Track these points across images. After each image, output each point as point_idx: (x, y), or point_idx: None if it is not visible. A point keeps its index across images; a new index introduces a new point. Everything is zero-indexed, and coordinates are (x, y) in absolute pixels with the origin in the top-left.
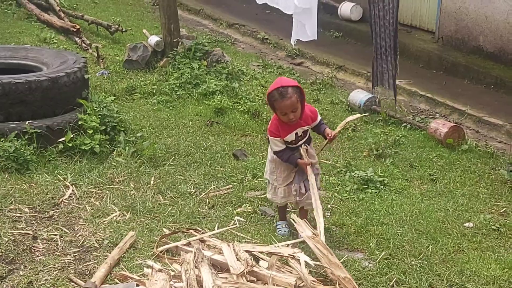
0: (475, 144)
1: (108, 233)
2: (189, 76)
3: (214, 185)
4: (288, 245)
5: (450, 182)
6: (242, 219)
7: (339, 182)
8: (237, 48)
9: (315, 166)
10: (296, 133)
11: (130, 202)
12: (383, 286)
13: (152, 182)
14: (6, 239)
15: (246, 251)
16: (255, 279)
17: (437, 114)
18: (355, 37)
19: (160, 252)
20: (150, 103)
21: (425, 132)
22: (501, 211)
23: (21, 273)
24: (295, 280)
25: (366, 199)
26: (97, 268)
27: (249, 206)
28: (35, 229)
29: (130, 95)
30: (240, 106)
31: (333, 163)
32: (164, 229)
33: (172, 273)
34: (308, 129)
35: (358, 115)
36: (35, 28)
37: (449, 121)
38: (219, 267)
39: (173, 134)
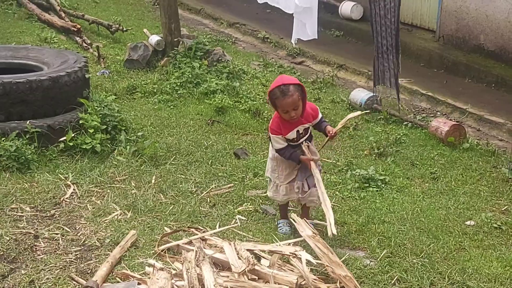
0: (476, 142)
1: (110, 232)
2: (190, 75)
3: (215, 184)
4: (289, 244)
5: (451, 181)
6: (243, 218)
7: (340, 180)
8: (237, 47)
9: (317, 163)
10: (298, 131)
11: (131, 201)
12: (384, 284)
13: (153, 181)
14: (8, 238)
15: (248, 249)
16: (256, 277)
17: (438, 113)
18: (355, 36)
19: (162, 251)
20: (151, 102)
21: (426, 130)
22: (503, 209)
23: (23, 272)
24: (297, 279)
25: (367, 197)
26: (99, 267)
27: (250, 205)
28: (37, 228)
29: (131, 95)
30: (241, 105)
31: (334, 161)
32: (165, 228)
33: (174, 272)
34: (309, 127)
35: (359, 112)
36: (36, 27)
37: (450, 120)
38: (221, 266)
39: (174, 133)
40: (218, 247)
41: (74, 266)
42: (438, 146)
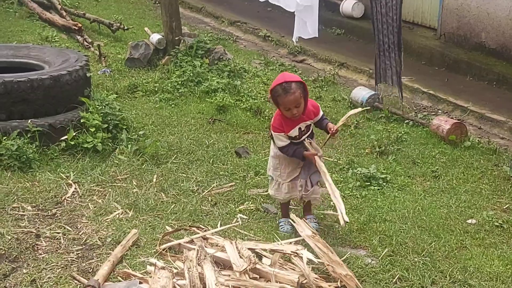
0: (478, 140)
1: (111, 231)
2: (191, 74)
3: (216, 182)
4: (291, 243)
5: (452, 179)
6: (245, 217)
7: (342, 179)
8: (239, 46)
9: (321, 159)
10: (300, 128)
11: (133, 200)
12: (386, 283)
13: (154, 180)
14: (9, 237)
15: (249, 248)
16: (258, 276)
17: (440, 111)
18: (357, 34)
19: (163, 250)
20: (152, 101)
21: (428, 129)
22: (504, 207)
23: (24, 271)
24: (298, 277)
25: (369, 196)
26: (100, 266)
27: (251, 204)
28: (38, 227)
29: (132, 93)
30: (242, 104)
31: (336, 160)
32: (166, 227)
33: (175, 271)
34: (311, 124)
35: (359, 109)
36: (37, 26)
37: (452, 118)
38: (222, 265)
39: (175, 132)
40: (219, 246)
41: (76, 265)
42: (439, 145)
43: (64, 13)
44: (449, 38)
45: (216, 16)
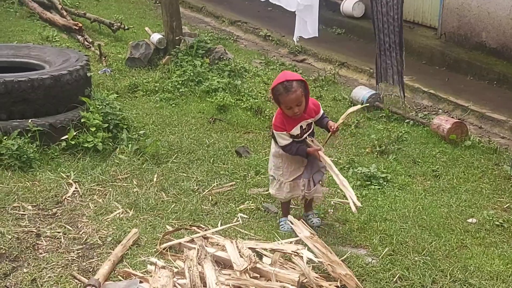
0: (478, 140)
1: (111, 230)
2: (192, 74)
3: (217, 182)
4: (291, 242)
5: (453, 178)
6: (245, 216)
7: None
8: (239, 45)
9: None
10: (301, 126)
11: (133, 199)
12: (386, 282)
13: (155, 179)
14: (10, 237)
15: (249, 247)
16: (258, 275)
17: (440, 110)
18: (357, 34)
19: (163, 249)
20: (153, 101)
21: (428, 128)
22: (505, 206)
23: (25, 270)
24: (298, 277)
25: (369, 195)
26: (101, 265)
27: (252, 203)
28: (39, 227)
29: (133, 93)
30: (242, 103)
31: (336, 159)
32: (167, 226)
33: (175, 270)
34: (312, 122)
35: (359, 106)
36: (37, 26)
37: (452, 117)
38: (222, 264)
39: (176, 131)
40: (220, 245)
41: (76, 264)
42: (440, 144)
43: (65, 13)
44: (449, 37)
45: (216, 15)
